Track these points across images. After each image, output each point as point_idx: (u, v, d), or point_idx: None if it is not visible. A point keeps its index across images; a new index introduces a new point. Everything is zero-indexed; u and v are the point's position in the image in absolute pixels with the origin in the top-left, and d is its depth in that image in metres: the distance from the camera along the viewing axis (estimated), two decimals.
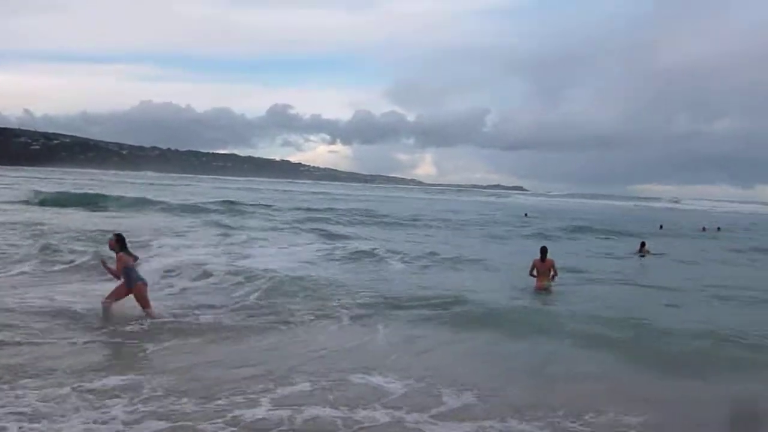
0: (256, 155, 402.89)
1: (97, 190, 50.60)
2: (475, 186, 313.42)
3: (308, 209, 45.49)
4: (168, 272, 14.53)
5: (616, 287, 17.12)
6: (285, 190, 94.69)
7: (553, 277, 15.72)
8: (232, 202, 45.74)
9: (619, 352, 10.08)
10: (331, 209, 46.99)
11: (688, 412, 7.81)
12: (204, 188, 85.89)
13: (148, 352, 9.24)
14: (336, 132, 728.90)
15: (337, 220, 37.06)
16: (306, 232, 28.60)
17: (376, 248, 21.63)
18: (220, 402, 7.16)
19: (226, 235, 24.41)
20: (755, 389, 8.60)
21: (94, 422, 6.49)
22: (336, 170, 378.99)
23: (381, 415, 7.04)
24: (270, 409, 7.03)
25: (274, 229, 29.57)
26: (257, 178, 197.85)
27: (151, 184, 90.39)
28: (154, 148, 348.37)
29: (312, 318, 11.56)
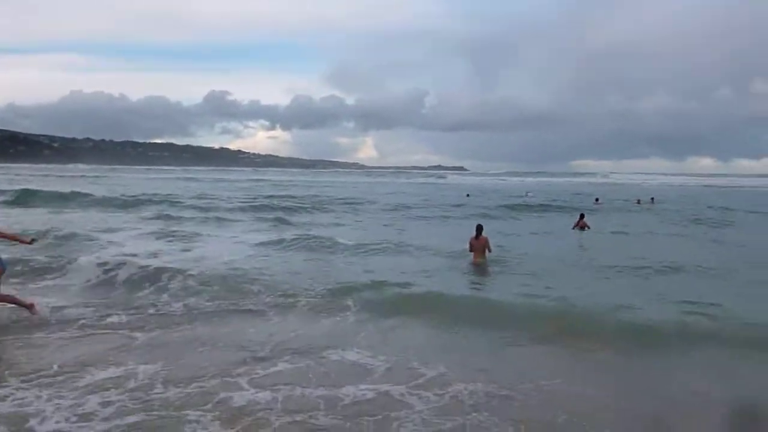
0: (195, 144, 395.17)
1: (25, 185, 48.71)
2: (416, 167, 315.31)
3: (250, 198, 44.82)
4: (107, 268, 13.99)
5: (551, 263, 17.09)
6: (224, 179, 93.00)
7: (486, 252, 16.44)
8: (169, 194, 44.72)
9: (551, 322, 10.38)
10: (273, 196, 46.49)
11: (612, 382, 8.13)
12: (138, 179, 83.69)
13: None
14: (275, 118, 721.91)
15: (281, 207, 36.36)
16: (252, 221, 28.25)
17: (321, 235, 21.43)
18: (203, 387, 7.30)
19: (165, 227, 23.83)
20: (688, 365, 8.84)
21: None
22: (277, 156, 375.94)
23: (365, 390, 7.35)
24: (253, 392, 7.23)
25: (217, 219, 28.98)
26: (195, 168, 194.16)
27: (83, 176, 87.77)
28: (87, 139, 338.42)
29: (275, 303, 11.51)
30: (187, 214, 30.77)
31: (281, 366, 8.14)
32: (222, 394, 7.11)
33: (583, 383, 7.79)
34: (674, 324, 10.19)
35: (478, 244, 16.41)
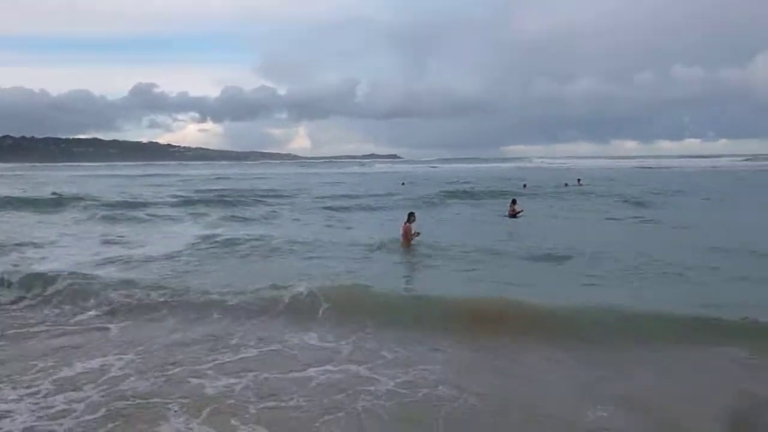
0: (122, 138, 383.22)
1: None
2: (350, 156, 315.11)
3: (181, 194, 43.57)
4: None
5: (479, 253, 17.11)
6: (155, 174, 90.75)
7: (414, 236, 17.22)
8: (89, 192, 42.89)
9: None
10: (204, 191, 45.39)
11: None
12: (61, 177, 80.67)
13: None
14: (205, 110, 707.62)
15: (215, 202, 35.43)
16: (184, 218, 27.63)
17: (256, 232, 21.12)
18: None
19: (92, 228, 23.16)
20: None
21: None
22: (208, 149, 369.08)
23: (331, 371, 7.91)
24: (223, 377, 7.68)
25: (147, 217, 28.14)
26: (123, 163, 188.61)
27: (1, 175, 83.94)
28: (6, 137, 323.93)
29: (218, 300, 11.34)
30: (114, 212, 29.67)
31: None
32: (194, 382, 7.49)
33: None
34: (595, 312, 10.08)
35: (407, 229, 17.16)
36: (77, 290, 11.96)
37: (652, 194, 38.32)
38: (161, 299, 11.36)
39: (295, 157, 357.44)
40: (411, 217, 17.48)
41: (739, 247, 16.34)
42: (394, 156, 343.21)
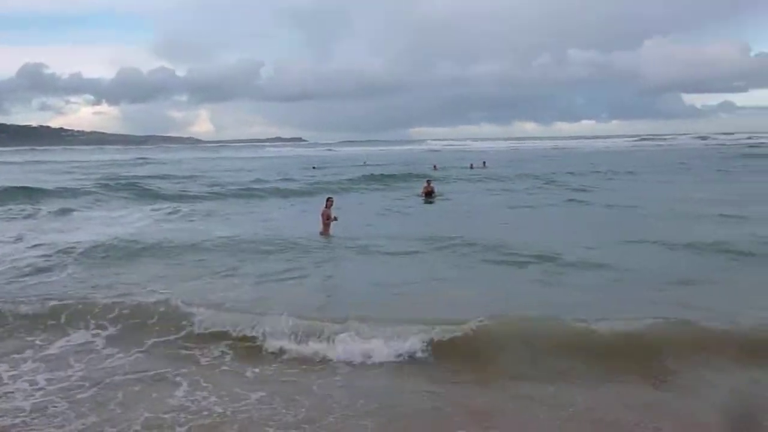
0: (9, 122, 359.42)
1: None
2: (255, 140, 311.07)
3: (76, 182, 41.63)
4: None
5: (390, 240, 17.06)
6: (45, 161, 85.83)
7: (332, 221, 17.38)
8: None
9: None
10: (102, 178, 43.06)
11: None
12: None
13: None
14: (100, 92, 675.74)
15: (111, 190, 32.72)
16: (83, 209, 26.56)
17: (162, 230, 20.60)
18: None
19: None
20: None
21: None
22: (104, 133, 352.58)
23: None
24: None
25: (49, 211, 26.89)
26: (8, 148, 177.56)
27: None
28: None
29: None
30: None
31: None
32: None
33: None
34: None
35: (326, 214, 17.38)
36: None
37: (567, 174, 40.27)
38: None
39: (197, 141, 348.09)
40: (329, 201, 17.77)
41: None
42: (299, 139, 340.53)
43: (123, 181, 37.69)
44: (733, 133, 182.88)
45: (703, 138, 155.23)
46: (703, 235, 15.12)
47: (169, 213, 23.64)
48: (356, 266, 13.48)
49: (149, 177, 44.25)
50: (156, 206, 25.81)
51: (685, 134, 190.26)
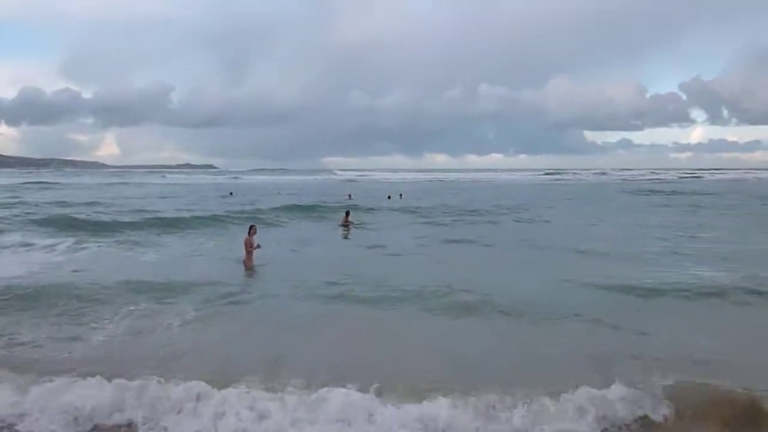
0: None
1: None
2: (164, 166, 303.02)
3: None
4: None
5: (317, 265, 18.01)
6: None
7: (255, 249, 17.26)
8: None
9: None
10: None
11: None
12: None
13: None
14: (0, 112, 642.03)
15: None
16: None
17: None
18: None
19: None
20: None
21: None
22: (2, 155, 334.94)
23: None
24: None
25: None
26: None
27: None
28: None
29: None
30: None
31: None
32: None
33: None
34: None
35: (248, 242, 17.19)
36: None
37: (491, 207, 40.96)
38: None
39: (102, 165, 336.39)
40: (252, 229, 17.73)
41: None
42: (210, 166, 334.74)
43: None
44: (631, 169, 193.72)
45: (604, 173, 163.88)
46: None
47: (53, 248, 21.21)
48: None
49: (46, 203, 41.84)
50: (49, 239, 23.29)
51: (587, 169, 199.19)
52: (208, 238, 24.51)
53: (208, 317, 11.58)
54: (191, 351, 9.66)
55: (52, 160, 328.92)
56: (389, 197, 49.72)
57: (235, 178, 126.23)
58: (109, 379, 7.87)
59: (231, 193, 56.40)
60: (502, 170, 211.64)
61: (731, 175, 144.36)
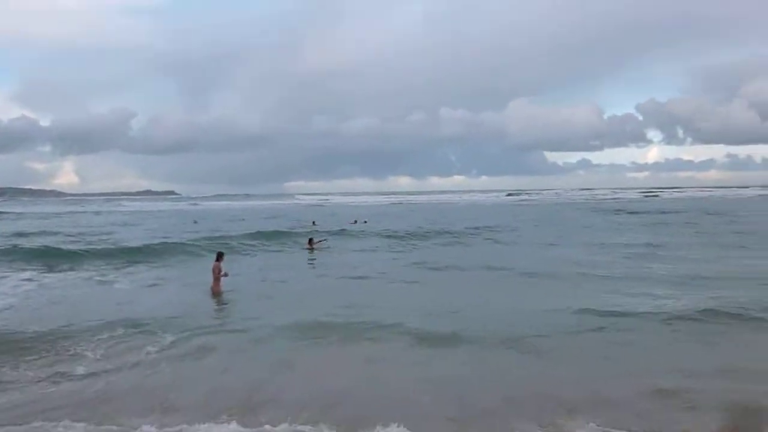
0: None
1: None
2: (124, 193, 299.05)
3: None
4: None
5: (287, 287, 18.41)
6: None
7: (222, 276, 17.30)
8: None
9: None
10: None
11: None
12: None
13: None
14: None
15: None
16: None
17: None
18: None
19: None
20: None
21: None
22: None
23: None
24: None
25: None
26: None
27: None
28: None
29: None
30: None
31: None
32: None
33: None
34: None
35: (216, 268, 17.23)
36: None
37: (457, 229, 41.02)
38: None
39: (61, 193, 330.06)
40: (220, 256, 17.74)
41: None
42: (171, 192, 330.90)
43: None
44: (592, 189, 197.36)
45: (565, 192, 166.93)
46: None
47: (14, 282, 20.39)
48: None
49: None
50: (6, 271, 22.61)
51: (548, 189, 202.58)
52: (174, 266, 24.23)
53: (183, 351, 11.38)
54: (172, 386, 9.49)
55: (8, 189, 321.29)
56: (355, 222, 49.62)
57: (194, 204, 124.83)
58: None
59: (195, 221, 55.80)
60: (465, 191, 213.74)
61: (688, 193, 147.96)
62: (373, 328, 12.67)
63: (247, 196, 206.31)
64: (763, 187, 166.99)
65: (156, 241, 31.60)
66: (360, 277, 20.44)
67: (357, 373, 10.05)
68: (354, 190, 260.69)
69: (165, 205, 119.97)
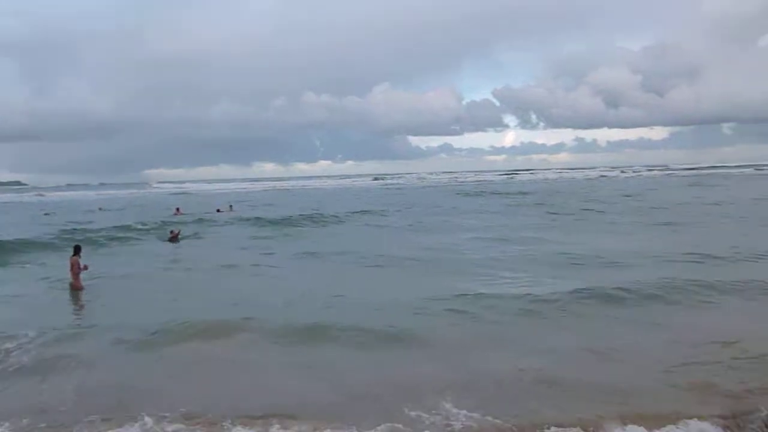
0: None
1: None
2: None
3: None
4: None
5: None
6: None
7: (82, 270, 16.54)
8: None
9: None
10: None
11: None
12: None
13: None
14: None
15: None
16: None
17: None
18: None
19: None
20: None
21: None
22: None
23: None
24: None
25: None
26: None
27: None
28: None
29: None
30: None
31: None
32: None
33: None
34: None
35: (74, 263, 16.43)
36: None
37: (335, 215, 40.65)
38: None
39: None
40: (77, 250, 16.99)
41: None
42: (17, 182, 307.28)
43: None
44: (454, 172, 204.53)
45: (428, 175, 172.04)
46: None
47: None
48: None
49: None
50: None
51: (412, 173, 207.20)
52: (28, 263, 22.58)
53: (46, 352, 10.73)
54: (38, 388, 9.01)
55: None
56: (219, 210, 48.39)
57: (40, 195, 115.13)
58: None
59: (46, 213, 52.28)
60: (332, 177, 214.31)
61: (541, 175, 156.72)
62: (238, 322, 12.33)
63: (102, 185, 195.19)
64: (609, 168, 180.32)
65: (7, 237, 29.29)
66: (228, 268, 19.99)
67: (224, 369, 9.89)
68: (218, 177, 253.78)
69: (9, 197, 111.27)
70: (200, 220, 38.74)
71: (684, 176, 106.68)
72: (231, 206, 50.07)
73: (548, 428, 7.26)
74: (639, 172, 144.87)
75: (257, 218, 38.88)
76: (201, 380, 9.30)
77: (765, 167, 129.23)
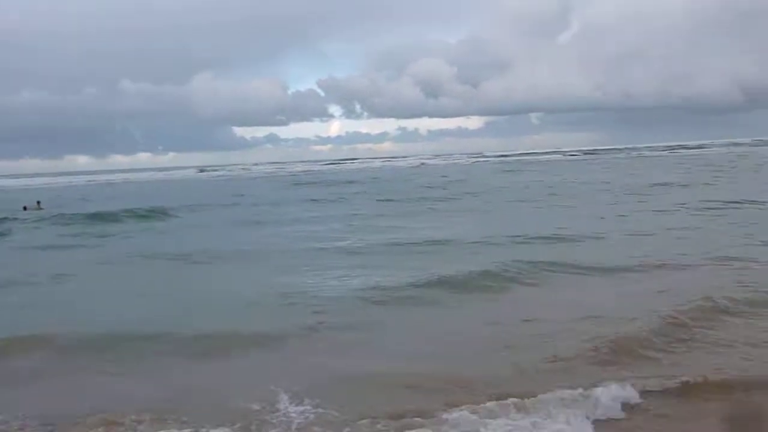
0: None
1: None
2: None
3: None
4: None
5: None
6: None
7: None
8: None
9: None
10: None
11: None
12: None
13: None
14: None
15: None
16: None
17: None
18: None
19: None
20: None
21: None
22: None
23: None
24: None
25: None
26: None
27: None
28: None
29: None
30: None
31: None
32: None
33: None
34: None
35: None
36: None
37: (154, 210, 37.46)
38: None
39: None
40: None
41: None
42: None
43: None
44: (280, 162, 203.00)
45: (254, 166, 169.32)
46: None
47: None
48: None
49: None
50: None
51: (238, 164, 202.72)
52: None
53: None
54: None
55: None
56: (25, 208, 44.13)
57: None
58: None
59: None
60: (152, 169, 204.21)
61: (367, 164, 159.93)
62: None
63: None
64: (431, 156, 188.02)
65: None
66: (25, 284, 17.04)
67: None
68: (23, 172, 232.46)
69: None
70: (4, 219, 35.07)
71: (499, 163, 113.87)
72: (39, 203, 45.98)
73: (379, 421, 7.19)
74: (458, 159, 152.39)
75: (73, 216, 35.88)
76: None
77: (572, 153, 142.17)
